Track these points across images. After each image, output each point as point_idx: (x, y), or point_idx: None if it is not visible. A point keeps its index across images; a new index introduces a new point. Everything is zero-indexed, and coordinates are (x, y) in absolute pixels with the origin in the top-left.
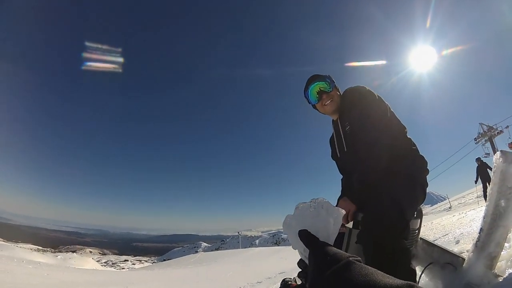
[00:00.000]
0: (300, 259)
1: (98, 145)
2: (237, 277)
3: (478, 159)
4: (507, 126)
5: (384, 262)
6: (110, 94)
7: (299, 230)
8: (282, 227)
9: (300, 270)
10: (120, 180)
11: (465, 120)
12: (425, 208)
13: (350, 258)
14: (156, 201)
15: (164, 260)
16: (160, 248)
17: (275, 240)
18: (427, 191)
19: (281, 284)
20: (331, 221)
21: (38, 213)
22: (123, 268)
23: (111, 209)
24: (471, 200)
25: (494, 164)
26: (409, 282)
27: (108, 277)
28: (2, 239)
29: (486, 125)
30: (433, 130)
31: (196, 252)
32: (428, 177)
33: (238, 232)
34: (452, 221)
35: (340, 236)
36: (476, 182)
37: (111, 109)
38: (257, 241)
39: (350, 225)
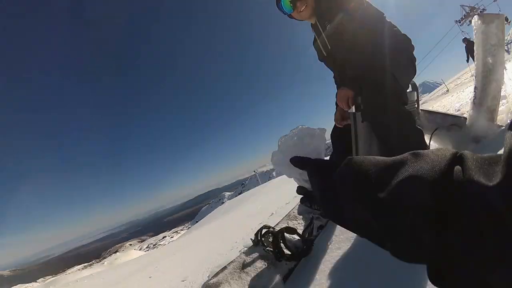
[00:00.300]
0: (298, 186)
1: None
2: (267, 207)
3: (464, 39)
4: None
5: (392, 125)
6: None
7: (290, 159)
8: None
9: (302, 196)
10: (130, 167)
11: (448, 3)
12: (423, 97)
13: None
14: (170, 173)
15: (197, 221)
16: (190, 213)
17: None
18: (417, 69)
19: (259, 233)
20: (316, 142)
21: (68, 237)
22: (165, 245)
23: (131, 200)
24: (466, 80)
25: (474, 28)
26: (412, 151)
27: (153, 255)
28: (51, 276)
29: (467, 6)
30: (416, 17)
31: (223, 203)
32: (421, 67)
33: (254, 171)
34: (451, 100)
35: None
36: (468, 61)
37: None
38: (274, 173)
39: (353, 110)
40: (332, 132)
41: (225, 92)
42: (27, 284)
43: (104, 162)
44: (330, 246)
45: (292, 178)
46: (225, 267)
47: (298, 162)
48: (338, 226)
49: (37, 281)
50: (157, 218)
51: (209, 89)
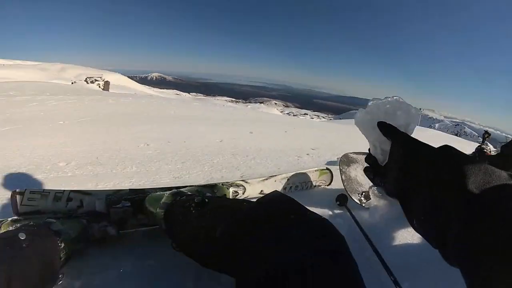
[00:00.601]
0: (368, 154)
1: None
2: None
3: None
4: None
5: None
6: None
7: (379, 122)
8: (467, 118)
9: (367, 165)
10: (300, 38)
11: None
12: None
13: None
14: (337, 62)
15: (341, 119)
16: (338, 108)
17: (456, 131)
18: None
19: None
20: (409, 120)
21: (232, 72)
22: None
23: (294, 68)
24: None
25: None
26: None
27: (289, 119)
28: (202, 95)
29: None
30: None
31: None
32: None
33: (420, 109)
34: None
35: None
36: None
37: None
38: (437, 125)
39: None
40: None
41: None
42: (182, 92)
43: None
44: None
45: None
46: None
47: (387, 128)
48: None
49: (190, 93)
50: (309, 95)
51: None
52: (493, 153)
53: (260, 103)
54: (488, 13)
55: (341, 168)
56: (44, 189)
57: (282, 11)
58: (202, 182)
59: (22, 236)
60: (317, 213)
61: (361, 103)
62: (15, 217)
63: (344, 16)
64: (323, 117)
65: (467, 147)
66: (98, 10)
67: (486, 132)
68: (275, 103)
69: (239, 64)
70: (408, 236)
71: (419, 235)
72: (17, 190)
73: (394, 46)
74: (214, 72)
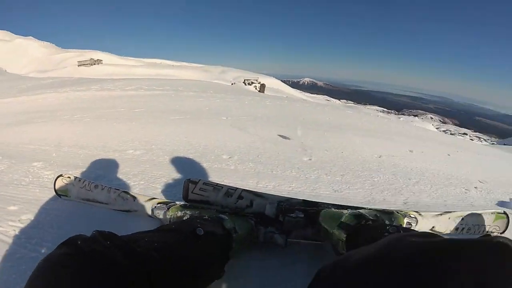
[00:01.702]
0: None
1: None
2: None
3: None
4: None
5: None
6: None
7: None
8: None
9: None
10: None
11: None
12: None
13: None
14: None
15: (505, 144)
16: (504, 130)
17: None
18: None
19: None
20: None
21: (386, 80)
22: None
23: (455, 75)
24: None
25: None
26: None
27: (449, 139)
28: (352, 102)
29: None
30: None
31: None
32: None
33: None
34: None
35: None
36: None
37: None
38: None
39: None
40: None
41: None
42: (332, 98)
43: None
44: None
45: None
46: None
47: None
48: None
49: (340, 100)
50: (470, 111)
51: None
52: None
53: (414, 116)
54: None
55: None
56: (217, 183)
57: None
58: (363, 201)
59: (200, 232)
60: None
61: None
62: (184, 203)
63: None
64: (485, 140)
65: None
66: (254, 16)
67: None
68: (431, 118)
69: (395, 71)
70: None
71: None
72: (191, 179)
73: None
74: (366, 79)
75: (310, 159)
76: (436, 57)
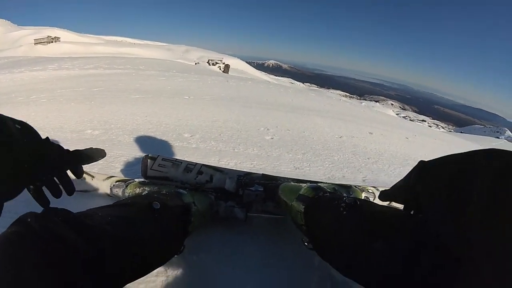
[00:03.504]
0: None
1: None
2: None
3: None
4: None
5: None
6: None
7: None
8: None
9: None
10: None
11: None
12: None
13: None
14: (472, 66)
15: (462, 132)
16: (461, 119)
17: None
18: None
19: None
20: None
21: (349, 66)
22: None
23: (417, 67)
24: None
25: None
26: None
27: (408, 124)
28: (316, 85)
29: None
30: None
31: (497, 137)
32: None
33: None
34: None
35: None
36: None
37: None
38: None
39: None
40: None
41: None
42: (296, 81)
43: None
44: None
45: None
46: None
47: None
48: None
49: (304, 83)
50: (430, 99)
51: None
52: None
53: (376, 101)
54: None
55: None
56: (176, 159)
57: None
58: (323, 178)
59: (156, 206)
60: None
61: (489, 118)
62: (143, 180)
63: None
64: (442, 127)
65: None
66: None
67: None
68: (391, 104)
69: (356, 58)
70: None
71: None
72: (150, 155)
73: None
74: (330, 64)
75: (272, 138)
76: (398, 47)
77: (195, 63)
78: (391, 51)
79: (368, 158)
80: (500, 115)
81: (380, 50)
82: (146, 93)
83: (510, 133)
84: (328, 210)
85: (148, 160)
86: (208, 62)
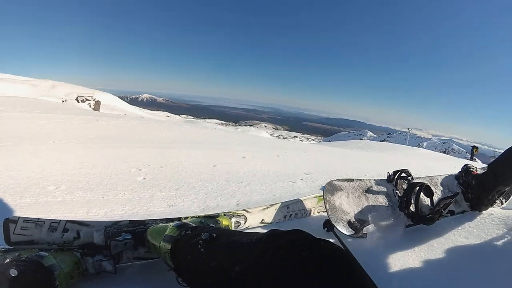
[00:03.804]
0: None
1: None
2: (409, 162)
3: None
4: None
5: None
6: None
7: None
8: (454, 135)
9: None
10: (290, 61)
11: None
12: None
13: None
14: (328, 85)
15: (330, 141)
16: (327, 130)
17: (444, 148)
18: None
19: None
20: None
21: (222, 94)
22: (294, 141)
23: (284, 90)
24: None
25: None
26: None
27: (280, 142)
28: (192, 117)
29: None
30: None
31: (361, 139)
32: None
33: (408, 129)
34: None
35: None
36: None
37: None
38: (425, 143)
39: None
40: None
41: None
42: (172, 114)
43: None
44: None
45: None
46: (352, 179)
47: None
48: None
49: (181, 116)
50: (298, 117)
51: None
52: (479, 171)
53: (250, 126)
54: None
55: (325, 197)
56: (39, 218)
57: (270, 33)
58: (197, 210)
59: (13, 273)
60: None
61: (351, 124)
62: (6, 248)
63: (328, 41)
64: (313, 139)
65: (455, 164)
66: (90, 29)
67: (474, 146)
68: (265, 126)
69: (229, 87)
70: (409, 260)
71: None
72: (10, 218)
73: (381, 68)
74: (204, 94)
75: (144, 179)
76: (265, 73)
77: (63, 101)
78: (260, 78)
79: (241, 182)
80: (361, 120)
81: (249, 78)
82: (4, 140)
83: (372, 134)
84: (189, 248)
85: (10, 224)
86: (77, 99)
